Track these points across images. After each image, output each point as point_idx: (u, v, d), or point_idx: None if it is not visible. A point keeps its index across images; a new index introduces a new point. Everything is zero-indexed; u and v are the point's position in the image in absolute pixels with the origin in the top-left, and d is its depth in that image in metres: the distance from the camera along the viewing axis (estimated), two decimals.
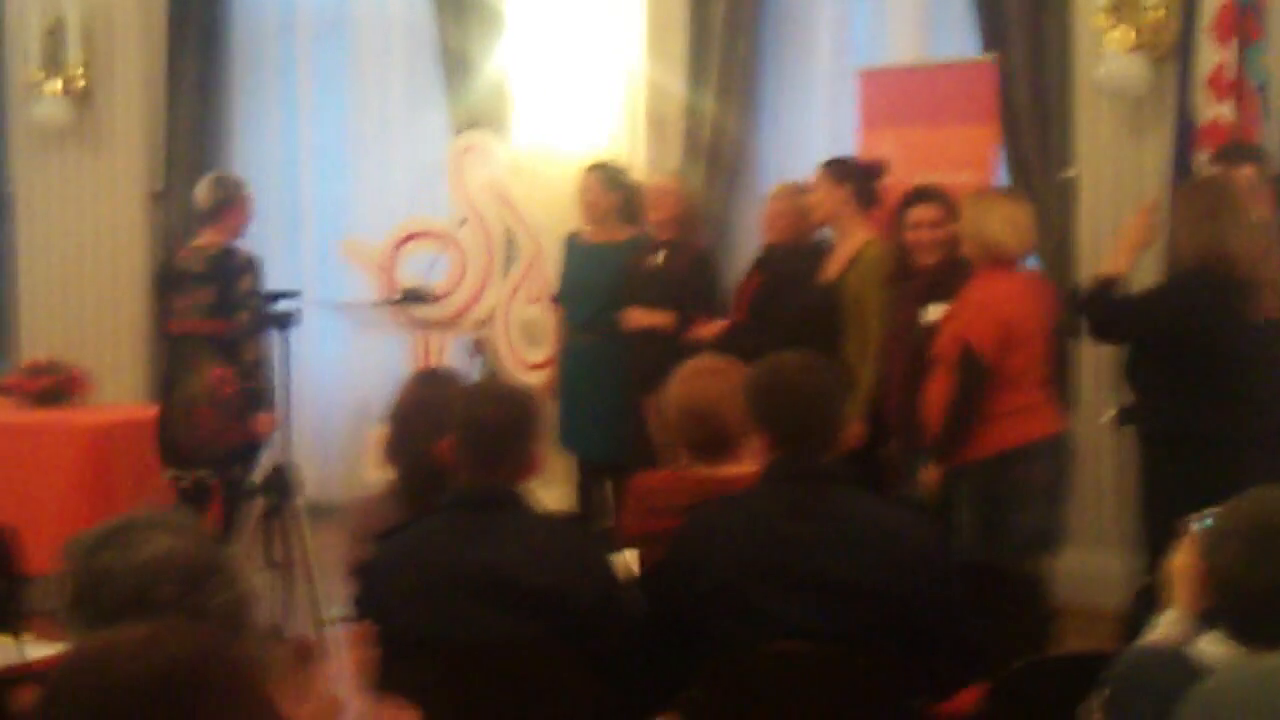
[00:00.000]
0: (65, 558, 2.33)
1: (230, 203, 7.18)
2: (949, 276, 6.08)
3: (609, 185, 7.66)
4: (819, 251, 6.96)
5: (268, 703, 1.74)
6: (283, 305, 5.40)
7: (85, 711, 1.65)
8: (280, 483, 5.13)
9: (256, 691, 1.73)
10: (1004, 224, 5.84)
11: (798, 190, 7.10)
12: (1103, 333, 5.58)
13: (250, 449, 6.77)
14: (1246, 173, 5.62)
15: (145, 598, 2.21)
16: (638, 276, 7.37)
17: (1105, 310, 5.47)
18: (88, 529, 2.36)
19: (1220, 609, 2.84)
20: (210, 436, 6.67)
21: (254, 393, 6.71)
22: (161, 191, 9.49)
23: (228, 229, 7.14)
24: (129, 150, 9.58)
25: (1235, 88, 6.13)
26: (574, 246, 7.78)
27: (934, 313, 6.07)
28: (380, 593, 3.73)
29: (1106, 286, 5.47)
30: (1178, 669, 2.76)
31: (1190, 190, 5.60)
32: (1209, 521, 2.95)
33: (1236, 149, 5.94)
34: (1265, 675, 2.53)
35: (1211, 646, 2.80)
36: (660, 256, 7.35)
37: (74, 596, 2.27)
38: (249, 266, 6.96)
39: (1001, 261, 5.82)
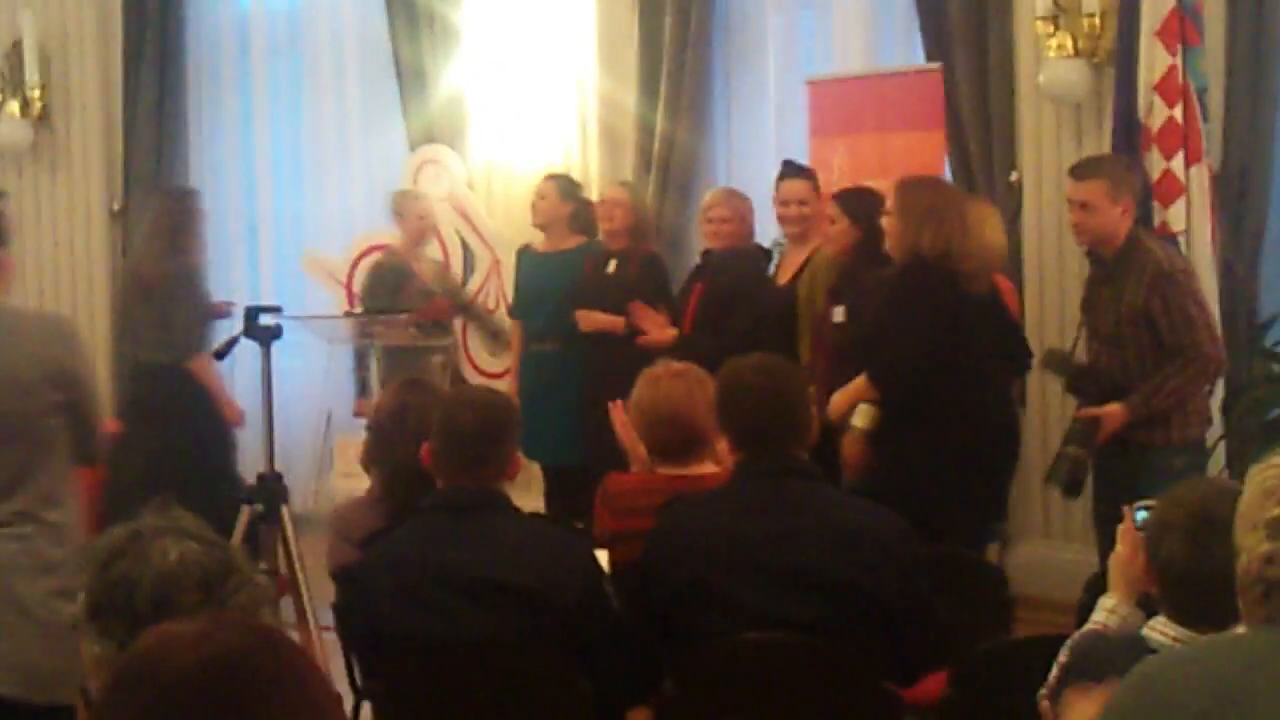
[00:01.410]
0: (80, 568, 2.33)
1: (398, 215, 8.20)
2: (851, 279, 6.22)
3: (564, 195, 7.72)
4: (758, 255, 7.08)
5: (321, 690, 1.77)
6: (265, 320, 5.50)
7: (146, 704, 1.69)
8: (268, 491, 5.25)
9: (310, 680, 1.76)
10: (996, 229, 6.06)
11: (735, 195, 7.17)
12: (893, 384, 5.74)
13: None
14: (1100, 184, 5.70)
15: (167, 604, 2.20)
16: (590, 284, 7.42)
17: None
18: (97, 539, 2.35)
19: (1164, 597, 2.96)
20: None
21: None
22: (121, 209, 9.55)
23: (404, 237, 8.20)
24: (88, 169, 9.64)
25: (1183, 91, 6.29)
26: (526, 258, 7.86)
27: (839, 314, 6.23)
28: (365, 595, 3.80)
29: None
30: (1136, 652, 2.91)
31: (909, 189, 5.81)
32: (1142, 514, 3.11)
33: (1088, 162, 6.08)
34: (1203, 650, 2.69)
35: (1164, 629, 2.92)
36: (612, 266, 7.43)
37: (92, 606, 2.26)
38: (380, 270, 8.14)
39: (997, 264, 6.03)
